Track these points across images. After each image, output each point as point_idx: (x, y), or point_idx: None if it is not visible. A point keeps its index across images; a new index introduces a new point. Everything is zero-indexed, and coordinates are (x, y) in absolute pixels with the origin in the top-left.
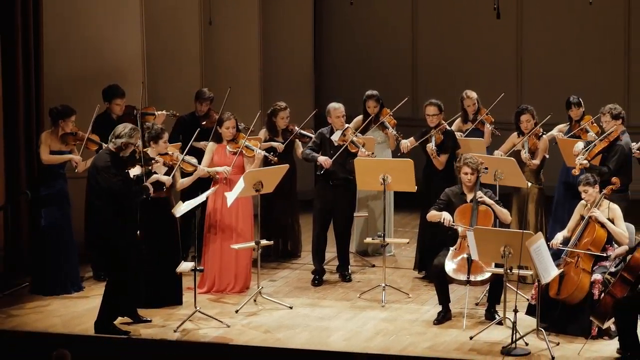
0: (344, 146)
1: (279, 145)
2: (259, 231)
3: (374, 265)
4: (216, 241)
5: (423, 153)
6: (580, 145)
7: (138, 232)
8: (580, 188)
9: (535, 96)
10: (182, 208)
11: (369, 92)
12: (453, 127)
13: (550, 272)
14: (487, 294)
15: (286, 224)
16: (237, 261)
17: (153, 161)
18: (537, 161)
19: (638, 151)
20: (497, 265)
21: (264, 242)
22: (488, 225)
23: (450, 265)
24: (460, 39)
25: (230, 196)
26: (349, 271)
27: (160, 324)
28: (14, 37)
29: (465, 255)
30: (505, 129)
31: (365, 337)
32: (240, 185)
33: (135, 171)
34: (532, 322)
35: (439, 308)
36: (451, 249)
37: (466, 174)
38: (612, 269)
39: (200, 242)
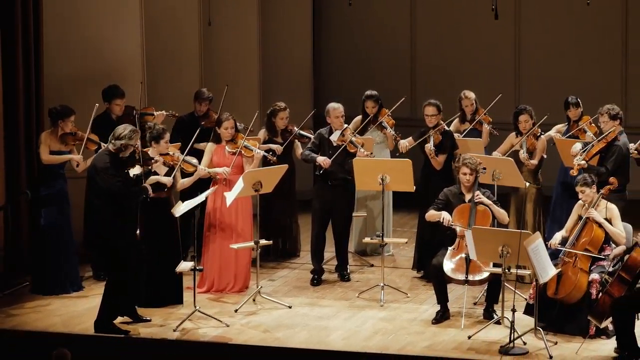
0: (343, 146)
1: (277, 148)
2: (258, 231)
3: (372, 265)
4: (215, 241)
5: (421, 153)
6: (578, 146)
7: (138, 232)
8: (578, 188)
9: (533, 96)
10: (181, 208)
11: (367, 93)
12: (451, 128)
13: (548, 271)
14: (485, 294)
15: (285, 224)
16: (237, 261)
17: (152, 161)
18: (535, 161)
19: (636, 151)
20: (495, 265)
21: (263, 241)
22: (486, 225)
23: (448, 265)
24: (458, 40)
25: (230, 196)
26: (348, 271)
27: (159, 324)
28: (14, 37)
29: (463, 255)
30: (503, 129)
31: (363, 336)
32: (239, 185)
33: (135, 171)
34: (530, 321)
35: (438, 307)
36: (449, 248)
37: (465, 174)
38: (610, 269)
39: (199, 241)
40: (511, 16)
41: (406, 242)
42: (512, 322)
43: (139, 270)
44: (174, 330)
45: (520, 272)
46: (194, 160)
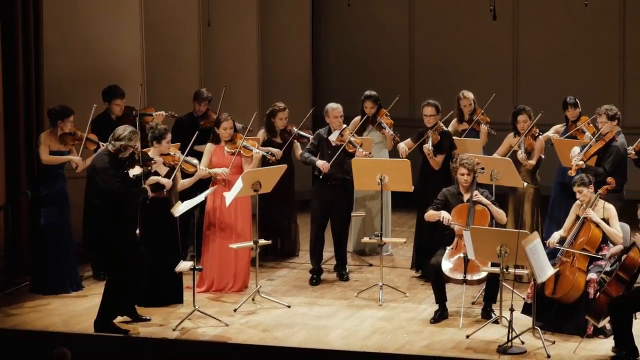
0: (342, 146)
1: (277, 152)
2: (257, 231)
3: (371, 265)
4: (215, 241)
5: (420, 153)
6: (576, 149)
7: (137, 232)
8: (575, 188)
9: (531, 97)
10: (180, 208)
11: (366, 93)
12: (449, 128)
13: (546, 271)
14: (483, 293)
15: (284, 224)
16: (236, 260)
17: (152, 162)
18: (533, 161)
19: (633, 152)
20: (493, 265)
21: (262, 241)
22: (484, 224)
23: (446, 265)
24: (457, 40)
25: (229, 196)
26: (347, 270)
27: (159, 323)
28: (15, 37)
29: (461, 255)
30: (501, 129)
31: (362, 335)
32: (238, 185)
33: (135, 172)
34: (528, 321)
35: (436, 307)
36: (448, 248)
37: (462, 174)
38: (608, 268)
39: (199, 241)
40: (509, 17)
41: (405, 242)
42: (510, 322)
43: (138, 270)
44: (174, 330)
45: (518, 271)
46: (195, 161)
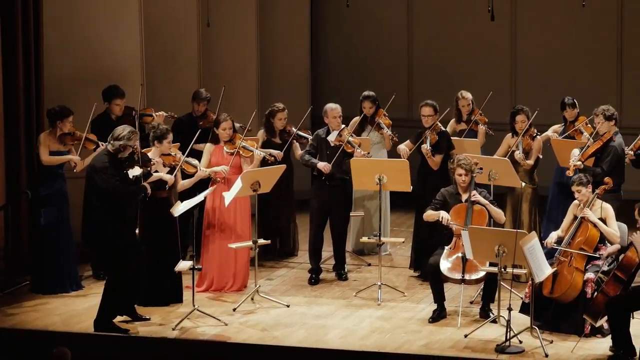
0: (341, 147)
1: (278, 154)
2: (256, 230)
3: (370, 264)
4: (214, 240)
5: (418, 153)
6: (576, 151)
7: (137, 232)
8: (574, 188)
9: (529, 97)
10: (180, 208)
11: (365, 93)
12: (447, 128)
13: (543, 270)
14: (481, 293)
15: (283, 224)
16: (236, 260)
17: (151, 162)
18: (531, 161)
19: (630, 152)
20: (491, 264)
21: (261, 241)
22: (483, 224)
23: (445, 264)
24: (455, 41)
25: (228, 196)
26: (345, 270)
27: (158, 322)
28: (15, 37)
29: (460, 254)
30: (499, 129)
31: (361, 335)
32: (237, 185)
33: (134, 172)
34: (526, 320)
35: (434, 306)
36: (446, 248)
37: (460, 175)
38: (605, 268)
39: (198, 241)
40: (507, 17)
41: (403, 242)
42: (508, 321)
43: (138, 270)
44: (173, 329)
45: (516, 271)
46: (195, 162)
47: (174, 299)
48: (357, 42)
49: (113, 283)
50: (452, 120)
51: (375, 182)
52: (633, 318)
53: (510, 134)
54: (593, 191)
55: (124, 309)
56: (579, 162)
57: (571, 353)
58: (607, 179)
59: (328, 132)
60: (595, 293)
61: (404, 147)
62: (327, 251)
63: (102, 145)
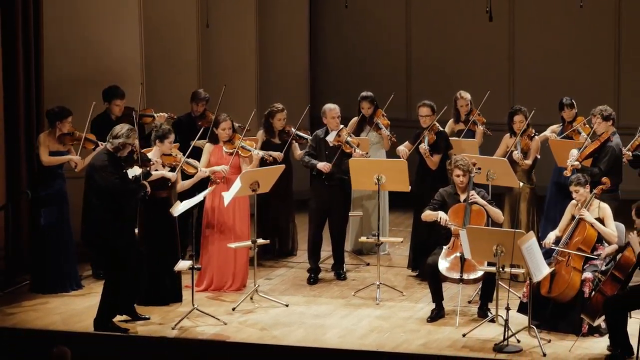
0: (340, 147)
1: (278, 155)
2: (255, 230)
3: (368, 264)
4: (214, 240)
5: (416, 153)
6: (574, 152)
7: (136, 231)
8: (572, 188)
9: (527, 97)
10: (179, 208)
11: (363, 94)
12: (446, 128)
13: (541, 270)
14: (479, 292)
15: (282, 224)
16: (235, 260)
17: (151, 162)
18: (529, 161)
19: (628, 152)
20: (489, 264)
21: (260, 241)
22: (481, 224)
23: (443, 264)
24: (453, 41)
25: (227, 196)
26: (344, 270)
27: (158, 322)
28: (15, 38)
29: (458, 254)
30: (497, 129)
31: (360, 334)
32: (237, 185)
33: (134, 171)
34: (524, 319)
35: (433, 306)
36: (444, 247)
37: (458, 176)
38: (603, 268)
39: (198, 241)
40: (505, 18)
41: (402, 241)
42: (506, 321)
43: (138, 269)
44: (173, 328)
45: (514, 270)
46: (195, 162)
47: (173, 298)
48: (356, 42)
49: (112, 283)
50: (451, 121)
51: (374, 182)
52: (630, 317)
53: (508, 134)
54: (591, 191)
55: (124, 307)
56: (577, 162)
57: (569, 352)
58: (604, 179)
59: (327, 133)
60: (593, 292)
61: (403, 149)
62: (326, 251)
63: (102, 145)
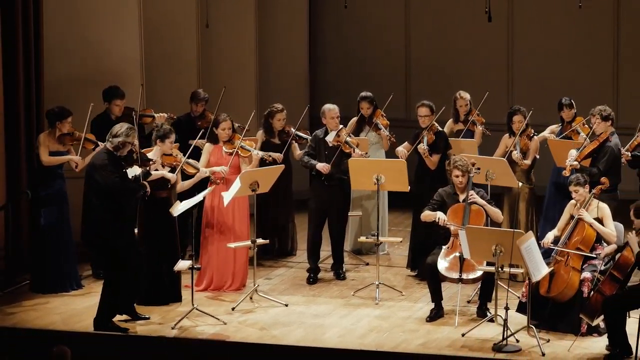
0: (339, 147)
1: (278, 156)
2: (255, 230)
3: (368, 264)
4: (213, 240)
5: (415, 153)
6: (573, 152)
7: (136, 231)
8: (571, 188)
9: (526, 98)
10: (179, 207)
11: (362, 94)
12: (445, 129)
13: (540, 270)
14: (478, 292)
15: (282, 224)
16: (234, 260)
17: (151, 162)
18: (528, 161)
19: (627, 152)
20: (488, 264)
21: (259, 241)
22: (480, 224)
23: (442, 264)
24: (452, 41)
25: (227, 196)
26: (344, 269)
27: (158, 321)
28: (15, 38)
29: (457, 254)
30: (496, 130)
31: (359, 334)
32: (236, 185)
33: (134, 171)
34: (523, 319)
35: (432, 305)
36: (444, 247)
37: (457, 176)
38: (602, 268)
39: (197, 240)
40: (504, 18)
41: (401, 241)
42: (505, 320)
43: (137, 269)
44: (172, 328)
45: (513, 270)
46: (196, 163)
47: (172, 298)
48: (355, 43)
49: (112, 283)
50: (450, 121)
51: (373, 182)
52: (629, 317)
53: (507, 134)
54: (590, 191)
55: (124, 308)
56: (576, 162)
57: (568, 352)
58: (603, 179)
59: (326, 133)
60: (592, 292)
61: (402, 149)
62: (326, 251)
63: (101, 145)
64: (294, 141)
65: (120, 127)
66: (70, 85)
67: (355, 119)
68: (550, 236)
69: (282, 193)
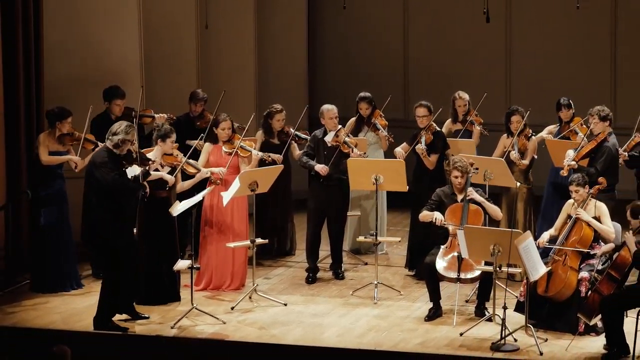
0: (338, 147)
1: (278, 158)
2: (254, 230)
3: (366, 263)
4: (212, 240)
5: (413, 154)
6: (571, 152)
7: (135, 231)
8: (572, 188)
9: (524, 98)
10: (178, 207)
11: (361, 94)
12: (443, 128)
13: (538, 269)
14: (476, 292)
15: (281, 223)
16: (234, 259)
17: (150, 162)
18: (526, 161)
19: (624, 153)
20: (486, 263)
21: (259, 240)
22: (478, 224)
23: (441, 263)
24: (451, 42)
25: (226, 196)
26: (342, 269)
27: (157, 321)
28: (15, 38)
29: (455, 254)
30: (494, 130)
31: (358, 333)
32: (235, 185)
33: (134, 171)
34: (520, 318)
35: (430, 305)
36: (442, 247)
37: (456, 177)
38: (599, 267)
39: (197, 240)
40: (502, 19)
41: (399, 241)
42: (503, 320)
43: (137, 269)
44: (172, 327)
45: (511, 270)
46: (196, 163)
47: (171, 298)
48: (354, 43)
49: (112, 282)
50: (448, 120)
51: (371, 182)
52: (627, 317)
53: (505, 134)
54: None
55: (123, 308)
56: (573, 162)
57: (565, 351)
58: (600, 179)
59: (325, 133)
60: (590, 292)
61: (400, 149)
62: (324, 250)
63: (101, 145)
64: (293, 141)
65: (120, 125)
66: (70, 85)
67: (353, 119)
68: (545, 235)
69: (281, 193)
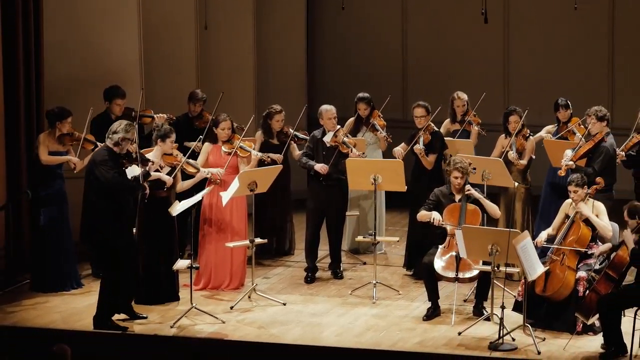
0: (337, 147)
1: (278, 158)
2: (253, 230)
3: (365, 263)
4: (212, 240)
5: (412, 154)
6: (569, 152)
7: (134, 230)
8: (571, 188)
9: (522, 98)
10: (178, 207)
11: (360, 95)
12: (442, 129)
13: (536, 269)
14: (474, 291)
15: (280, 223)
16: (233, 259)
17: (150, 162)
18: (524, 161)
19: (622, 153)
20: (484, 263)
21: (258, 240)
22: (476, 224)
23: (439, 263)
24: (449, 43)
25: (225, 196)
26: (341, 269)
27: (156, 320)
28: (15, 39)
29: (453, 253)
30: (492, 130)
31: (356, 332)
32: (235, 185)
33: (134, 171)
34: (518, 318)
35: (428, 304)
36: (440, 247)
37: (456, 177)
38: (597, 267)
39: (196, 240)
40: (500, 20)
41: (398, 241)
42: (501, 319)
43: (136, 269)
44: (171, 327)
45: (509, 269)
46: (196, 163)
47: (170, 297)
48: (353, 44)
49: (111, 282)
50: (447, 120)
51: (370, 182)
52: (624, 316)
53: (503, 134)
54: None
55: (122, 307)
56: (571, 162)
57: (563, 350)
58: (598, 179)
59: (324, 133)
60: (587, 291)
61: (399, 149)
62: (323, 250)
63: (101, 145)
64: (292, 142)
65: (120, 124)
66: (70, 85)
67: (352, 119)
68: (543, 235)
69: (280, 193)
